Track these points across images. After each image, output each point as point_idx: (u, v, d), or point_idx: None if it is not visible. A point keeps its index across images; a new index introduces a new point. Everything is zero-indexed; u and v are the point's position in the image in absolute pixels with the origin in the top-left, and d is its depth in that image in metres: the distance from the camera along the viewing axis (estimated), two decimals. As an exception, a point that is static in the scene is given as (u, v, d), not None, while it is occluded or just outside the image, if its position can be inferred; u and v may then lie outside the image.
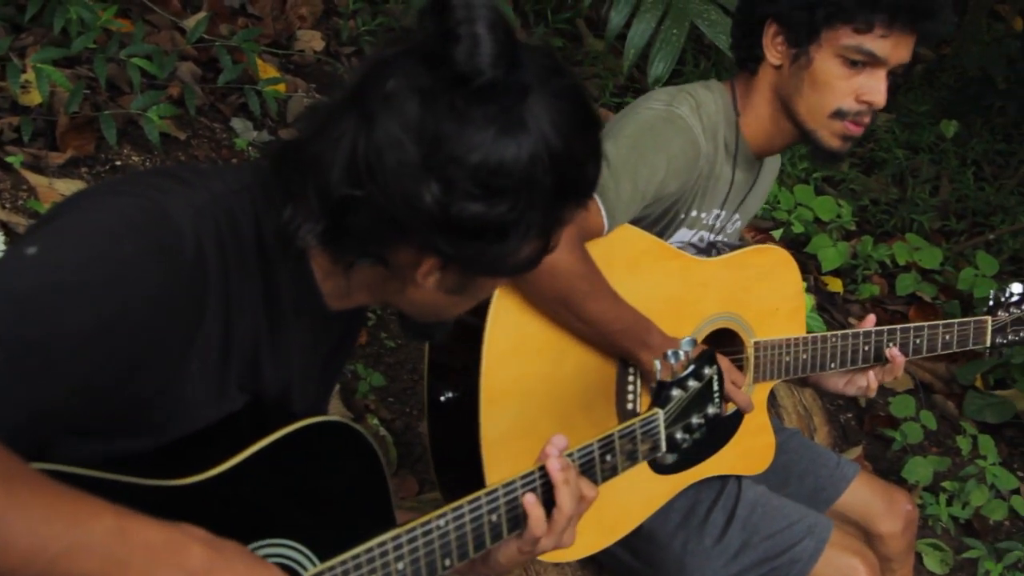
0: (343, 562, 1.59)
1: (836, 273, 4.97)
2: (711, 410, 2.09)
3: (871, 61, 2.43)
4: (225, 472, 1.51)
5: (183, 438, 1.54)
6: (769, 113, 2.57)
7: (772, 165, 2.88)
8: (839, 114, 2.48)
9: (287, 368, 1.67)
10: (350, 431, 1.67)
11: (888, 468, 4.32)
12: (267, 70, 3.95)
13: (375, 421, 3.17)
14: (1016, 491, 4.38)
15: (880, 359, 2.79)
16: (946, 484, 4.34)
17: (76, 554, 1.30)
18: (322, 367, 1.80)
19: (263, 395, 1.65)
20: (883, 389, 4.52)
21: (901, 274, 5.09)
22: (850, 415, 4.55)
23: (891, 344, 2.78)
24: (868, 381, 2.78)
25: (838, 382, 2.84)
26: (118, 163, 3.42)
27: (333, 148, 1.47)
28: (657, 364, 2.00)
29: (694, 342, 2.02)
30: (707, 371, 2.06)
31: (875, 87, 2.46)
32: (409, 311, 1.71)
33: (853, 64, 2.44)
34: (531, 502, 1.77)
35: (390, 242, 1.52)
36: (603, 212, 2.29)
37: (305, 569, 1.59)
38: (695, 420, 2.06)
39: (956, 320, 2.87)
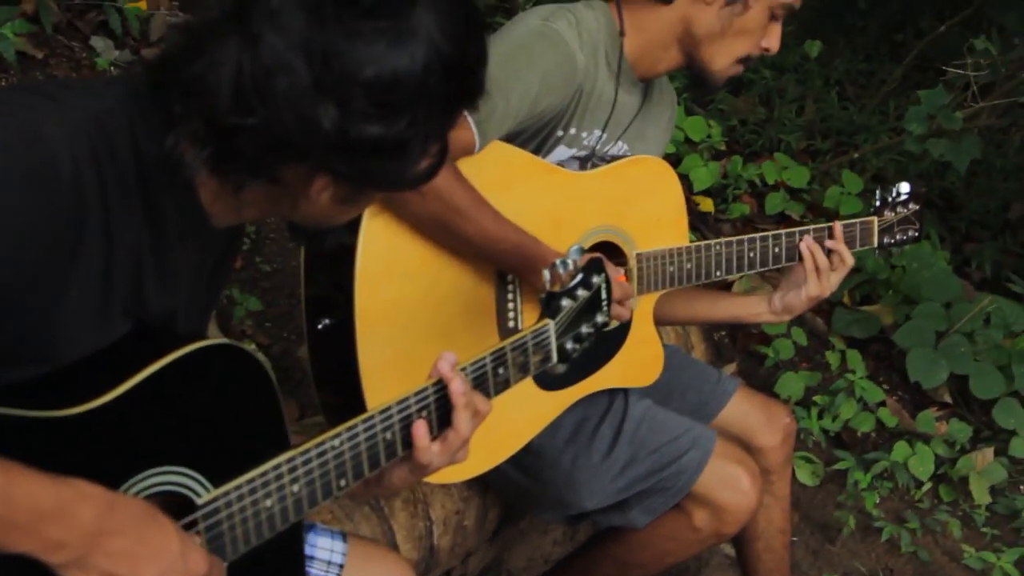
0: (238, 487, 1.56)
1: (707, 193, 5.00)
2: (600, 318, 2.07)
3: (785, 15, 2.53)
4: (113, 400, 1.44)
5: (70, 366, 1.47)
6: (663, 40, 2.56)
7: (665, 98, 2.84)
8: (744, 60, 2.56)
9: (174, 291, 1.61)
10: (241, 353, 1.61)
11: (761, 384, 4.40)
12: (127, -14, 3.78)
13: (252, 346, 3.09)
14: (882, 403, 4.50)
15: (792, 259, 2.80)
16: (817, 398, 4.43)
17: None
18: (206, 287, 1.73)
19: (148, 319, 1.58)
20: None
21: (770, 193, 5.15)
22: (723, 333, 4.61)
23: (800, 236, 2.79)
24: (808, 278, 2.77)
25: (756, 307, 2.87)
26: (-29, 82, 3.26)
27: (216, 71, 1.39)
28: (546, 274, 1.97)
29: (582, 250, 2.00)
30: (595, 280, 2.04)
31: (777, 36, 2.56)
32: (300, 222, 1.66)
33: (774, 17, 2.53)
34: (419, 433, 1.74)
35: (282, 163, 1.46)
36: (474, 129, 2.23)
37: (199, 496, 1.54)
38: (585, 329, 2.05)
39: (842, 222, 2.85)
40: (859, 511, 4.10)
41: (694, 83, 2.63)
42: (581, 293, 2.02)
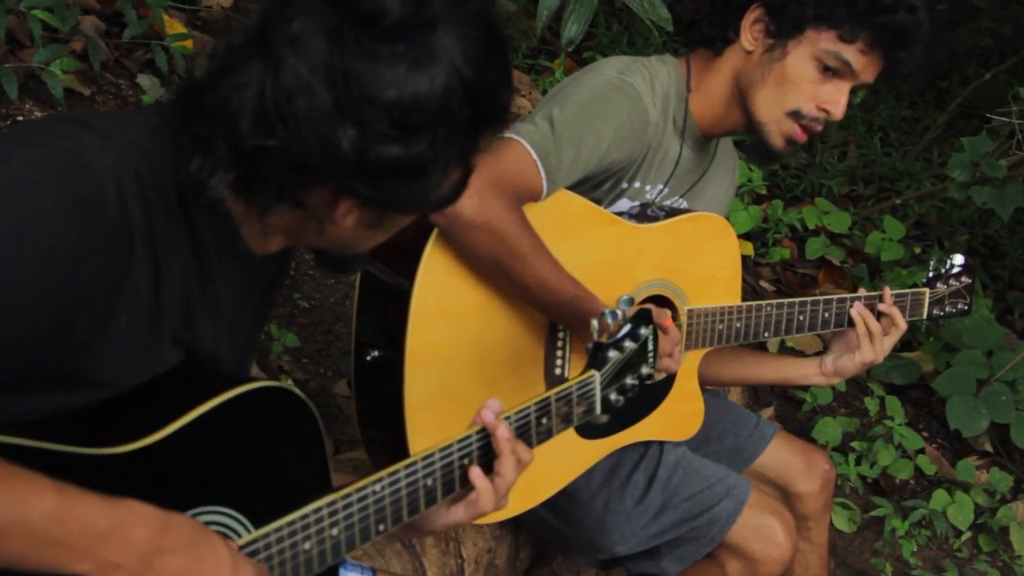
0: (278, 528, 1.56)
1: (747, 237, 5.00)
2: (645, 370, 2.06)
3: (843, 71, 2.42)
4: (161, 440, 1.46)
5: (119, 399, 1.49)
6: (722, 95, 2.54)
7: (729, 162, 2.84)
8: (795, 115, 2.46)
9: (218, 318, 1.63)
10: (290, 396, 1.63)
11: (798, 429, 4.37)
12: (174, 25, 3.83)
13: (289, 382, 3.11)
14: (921, 450, 4.47)
15: (841, 325, 2.77)
16: (855, 444, 4.40)
17: (13, 534, 1.25)
18: (250, 320, 1.75)
19: (197, 349, 1.60)
20: (794, 352, 4.57)
21: (811, 238, 5.14)
22: (761, 377, 4.58)
23: (851, 303, 2.75)
24: (861, 345, 2.74)
25: (806, 368, 2.86)
26: (19, 118, 3.31)
27: (240, 94, 1.41)
28: (594, 323, 1.96)
29: (631, 301, 1.99)
30: (643, 331, 2.03)
31: (837, 98, 2.44)
32: (326, 248, 1.67)
33: (825, 69, 2.42)
34: (478, 475, 1.75)
35: (305, 186, 1.47)
36: (543, 176, 2.24)
37: (239, 536, 1.55)
38: (629, 381, 2.03)
39: (894, 291, 2.81)
40: (896, 559, 4.06)
41: (752, 149, 2.58)
42: (628, 345, 2.00)
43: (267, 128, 1.41)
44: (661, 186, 2.59)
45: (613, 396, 2.01)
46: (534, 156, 2.23)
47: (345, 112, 1.39)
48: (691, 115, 2.57)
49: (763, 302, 2.72)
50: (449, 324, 2.28)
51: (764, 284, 4.86)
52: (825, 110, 2.45)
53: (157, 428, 1.46)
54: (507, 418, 1.79)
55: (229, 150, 1.44)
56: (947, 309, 2.99)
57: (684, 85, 2.55)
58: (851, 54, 2.41)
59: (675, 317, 2.63)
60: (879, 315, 2.75)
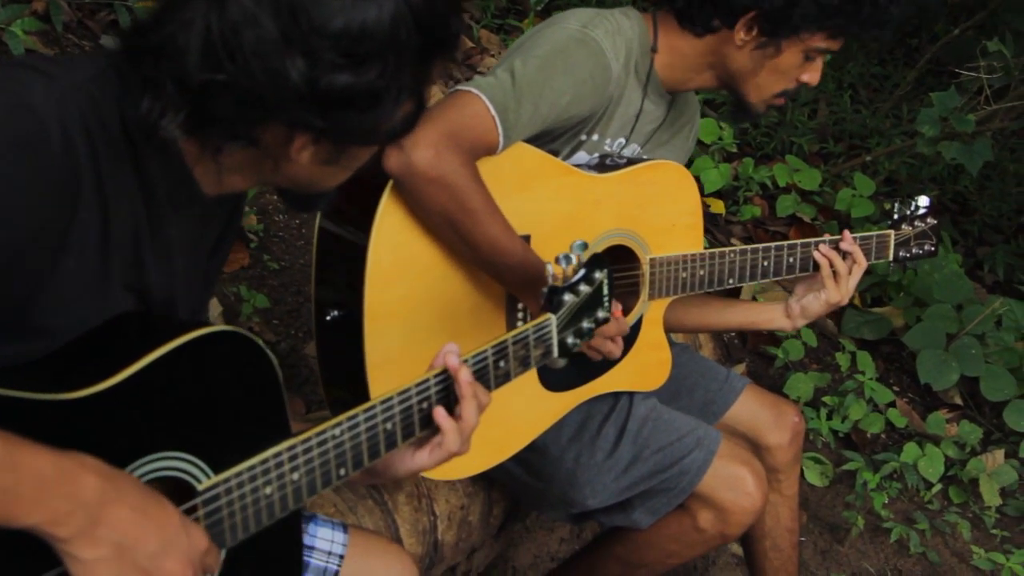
0: (238, 473, 1.56)
1: (718, 195, 5.00)
2: (601, 314, 2.07)
3: (824, 54, 2.56)
4: (116, 384, 1.45)
5: (72, 350, 1.48)
6: (694, 63, 2.58)
7: (689, 110, 2.85)
8: (781, 93, 2.59)
9: (170, 263, 1.62)
10: (245, 340, 1.62)
11: (770, 384, 4.40)
12: (138, -14, 3.81)
13: (260, 343, 3.10)
14: (892, 404, 4.50)
15: (805, 269, 2.81)
16: (826, 399, 4.43)
17: None
18: (205, 265, 1.75)
19: (149, 294, 1.59)
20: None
21: (781, 195, 5.15)
22: (733, 333, 4.61)
23: (815, 246, 2.80)
24: (825, 285, 2.78)
25: (771, 312, 2.90)
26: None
27: (186, 31, 1.41)
28: (549, 268, 1.98)
29: (585, 246, 2.00)
30: (597, 275, 2.04)
31: (817, 73, 2.58)
32: (287, 187, 1.66)
33: (808, 58, 2.54)
34: (442, 415, 1.76)
35: (257, 122, 1.47)
36: (500, 132, 2.24)
37: (199, 481, 1.55)
38: (586, 325, 2.05)
39: (859, 234, 2.84)
40: (868, 512, 4.09)
41: (735, 114, 2.69)
42: (583, 288, 2.02)
43: (214, 63, 1.40)
44: (622, 139, 2.61)
45: (570, 340, 2.02)
46: (492, 111, 2.23)
47: (293, 42, 1.39)
48: (655, 71, 2.58)
49: (726, 248, 2.74)
50: (407, 280, 2.27)
51: (735, 242, 4.87)
52: (804, 81, 2.58)
53: (111, 374, 1.45)
54: (465, 361, 1.80)
55: (178, 89, 1.43)
56: (914, 251, 3.01)
57: (649, 41, 2.56)
58: (835, 44, 2.54)
59: (638, 266, 2.65)
60: (844, 255, 2.78)
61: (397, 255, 2.24)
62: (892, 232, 2.97)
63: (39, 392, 1.41)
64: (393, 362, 2.25)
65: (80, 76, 1.47)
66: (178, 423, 1.54)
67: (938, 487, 4.28)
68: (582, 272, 2.01)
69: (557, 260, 1.97)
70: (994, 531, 4.21)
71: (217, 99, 1.42)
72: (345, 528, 2.11)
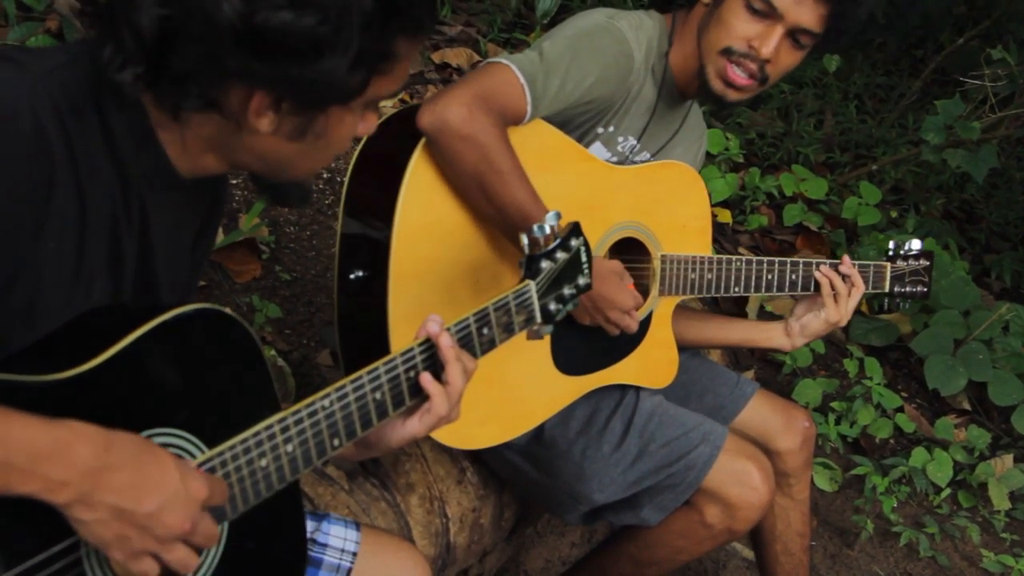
0: (231, 447, 1.58)
1: (725, 204, 5.05)
2: (582, 281, 2.12)
3: (769, 12, 2.53)
4: (101, 364, 1.46)
5: (57, 334, 1.50)
6: (692, 51, 2.65)
7: (698, 128, 2.92)
8: (726, 52, 2.56)
9: (148, 246, 1.64)
10: (225, 317, 1.63)
11: (779, 391, 4.40)
12: (150, 4, 3.86)
13: (272, 352, 3.14)
14: (900, 409, 4.52)
15: (807, 288, 2.88)
16: (834, 404, 4.46)
17: None
18: (190, 254, 1.78)
19: (128, 275, 1.61)
20: (774, 316, 4.62)
21: (788, 205, 5.18)
22: (741, 341, 4.63)
23: (817, 266, 2.87)
24: (827, 306, 2.86)
25: (770, 331, 2.96)
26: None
27: None
28: (524, 238, 2.02)
29: (559, 215, 2.05)
30: (574, 243, 2.09)
31: (766, 37, 2.54)
32: (258, 168, 1.66)
33: (753, 12, 2.53)
34: (429, 380, 1.79)
35: (210, 78, 1.48)
36: (528, 100, 2.34)
37: (194, 457, 1.57)
38: (567, 291, 2.09)
39: (858, 261, 2.94)
40: (877, 516, 4.11)
41: (704, 94, 2.67)
42: (560, 255, 2.07)
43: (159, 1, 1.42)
44: (633, 139, 2.67)
45: (553, 306, 2.07)
46: (521, 80, 2.32)
47: None
48: (670, 69, 2.67)
49: (733, 256, 2.80)
50: (432, 241, 2.32)
51: (743, 251, 4.91)
52: (754, 47, 2.55)
53: (96, 354, 1.46)
54: (447, 329, 1.83)
55: (132, 37, 1.44)
56: (908, 288, 3.11)
57: (666, 40, 2.66)
58: None
59: (649, 260, 2.70)
60: (843, 277, 2.87)
61: (424, 216, 2.30)
62: (888, 264, 3.07)
63: (23, 374, 1.42)
64: (413, 320, 2.28)
65: (52, 62, 1.49)
66: (169, 401, 1.56)
67: (947, 491, 4.30)
68: (558, 240, 2.06)
69: (531, 230, 2.02)
70: (1004, 535, 4.22)
71: (172, 52, 1.44)
72: (358, 526, 2.14)
